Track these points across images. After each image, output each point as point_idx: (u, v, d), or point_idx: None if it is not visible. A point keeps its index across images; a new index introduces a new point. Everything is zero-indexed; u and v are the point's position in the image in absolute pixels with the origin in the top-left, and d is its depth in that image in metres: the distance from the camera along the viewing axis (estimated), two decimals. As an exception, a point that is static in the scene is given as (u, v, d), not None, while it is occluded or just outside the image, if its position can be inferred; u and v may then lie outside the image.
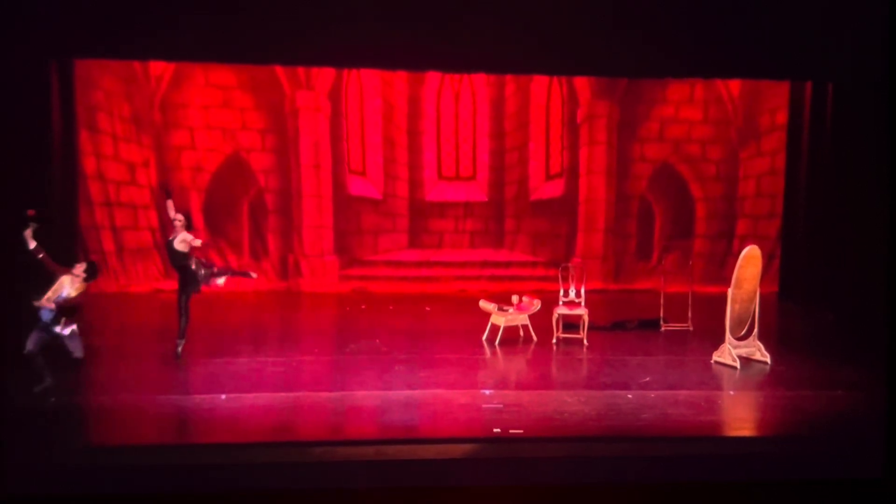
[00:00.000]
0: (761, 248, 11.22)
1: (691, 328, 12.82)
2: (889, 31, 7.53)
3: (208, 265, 10.95)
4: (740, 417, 9.14)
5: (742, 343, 10.75)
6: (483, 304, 12.17)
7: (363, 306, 15.11)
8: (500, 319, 11.87)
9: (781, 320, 14.26)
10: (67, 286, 9.11)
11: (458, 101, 17.99)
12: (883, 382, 7.71)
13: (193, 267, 10.51)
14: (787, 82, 16.01)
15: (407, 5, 10.99)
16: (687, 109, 17.71)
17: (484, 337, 11.91)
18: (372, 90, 17.56)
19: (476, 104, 18.00)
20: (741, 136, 17.61)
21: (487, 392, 9.28)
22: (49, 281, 9.10)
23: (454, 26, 11.24)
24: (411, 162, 18.03)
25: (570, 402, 8.94)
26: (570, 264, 12.89)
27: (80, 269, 9.21)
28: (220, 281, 10.95)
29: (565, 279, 12.10)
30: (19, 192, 11.69)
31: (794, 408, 8.93)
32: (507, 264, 17.82)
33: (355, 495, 7.26)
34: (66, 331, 9.08)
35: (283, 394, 9.10)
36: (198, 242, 10.48)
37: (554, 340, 11.82)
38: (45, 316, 8.98)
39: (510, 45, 11.75)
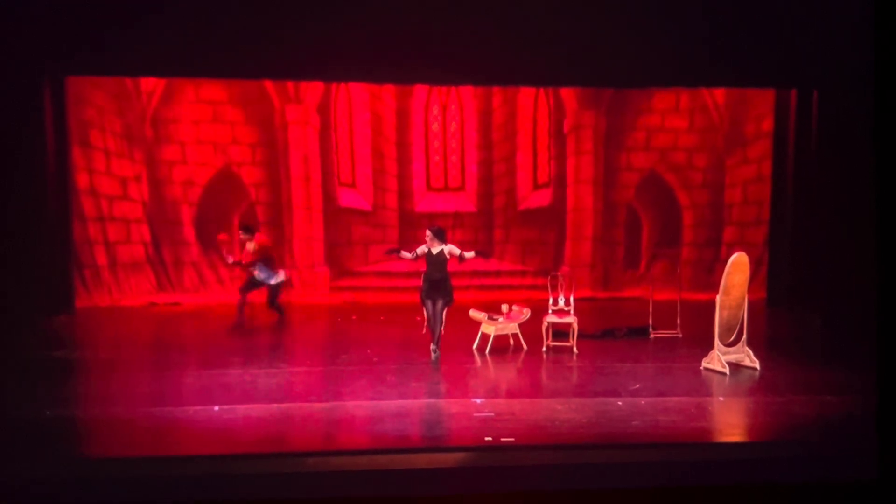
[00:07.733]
0: (749, 254, 11.27)
1: (680, 335, 12.87)
2: (873, 37, 7.59)
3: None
4: (731, 423, 9.17)
5: (731, 349, 10.79)
6: (473, 313, 12.23)
7: (354, 317, 15.16)
8: (490, 328, 11.92)
9: (770, 326, 14.33)
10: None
11: (446, 113, 18.06)
12: (873, 386, 7.75)
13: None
14: (773, 90, 16.13)
15: (394, 20, 11.09)
16: (673, 118, 17.81)
17: (474, 346, 11.97)
18: (360, 103, 17.62)
19: (464, 115, 18.07)
20: (727, 144, 17.70)
21: (479, 401, 9.31)
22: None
23: (442, 40, 11.34)
24: (400, 173, 18.09)
25: (561, 409, 8.97)
26: (558, 273, 12.94)
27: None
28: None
29: (554, 288, 12.16)
30: (14, 207, 11.77)
31: (785, 412, 8.95)
32: (497, 273, 17.87)
33: (349, 504, 7.31)
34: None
35: (275, 405, 9.12)
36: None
37: (544, 349, 11.87)
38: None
39: (497, 57, 11.88)
